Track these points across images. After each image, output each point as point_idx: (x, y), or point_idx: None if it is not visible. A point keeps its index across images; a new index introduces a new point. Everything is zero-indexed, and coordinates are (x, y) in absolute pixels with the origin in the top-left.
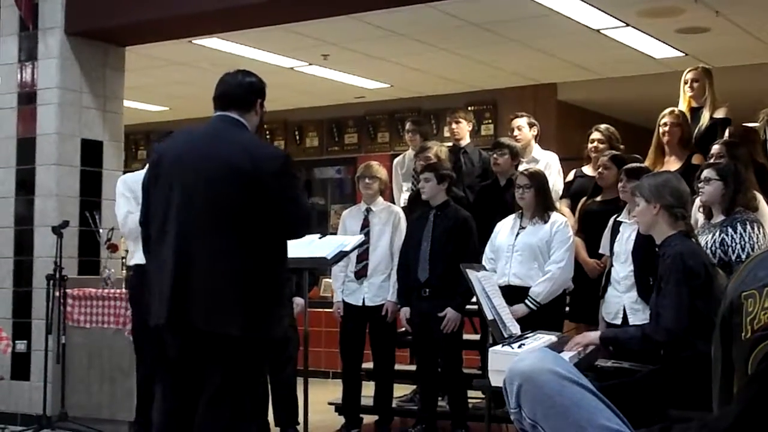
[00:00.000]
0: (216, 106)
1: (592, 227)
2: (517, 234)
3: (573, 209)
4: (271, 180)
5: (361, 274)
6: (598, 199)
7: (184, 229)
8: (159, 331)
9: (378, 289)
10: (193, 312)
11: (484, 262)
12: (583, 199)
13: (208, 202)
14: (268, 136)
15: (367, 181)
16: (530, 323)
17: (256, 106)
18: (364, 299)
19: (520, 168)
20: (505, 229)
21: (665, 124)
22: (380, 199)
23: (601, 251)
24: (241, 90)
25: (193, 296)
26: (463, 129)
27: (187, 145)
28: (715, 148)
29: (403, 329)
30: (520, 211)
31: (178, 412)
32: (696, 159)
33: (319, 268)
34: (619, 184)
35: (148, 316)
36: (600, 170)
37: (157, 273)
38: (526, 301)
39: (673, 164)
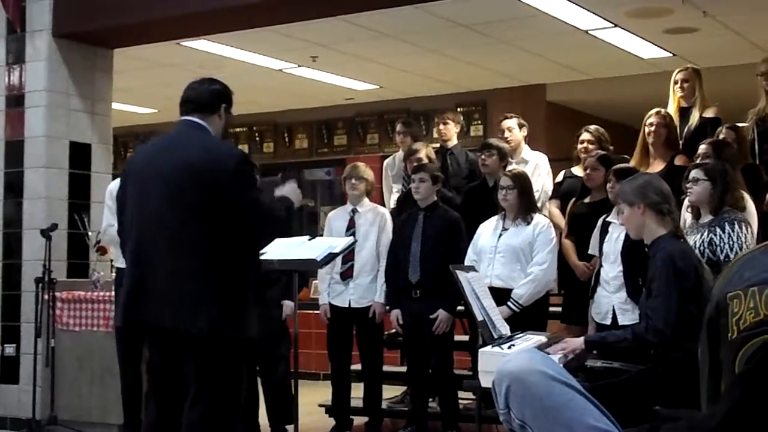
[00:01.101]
0: (181, 111)
1: (581, 229)
2: (500, 235)
3: (563, 210)
4: (228, 178)
5: (347, 276)
6: (587, 200)
7: (143, 232)
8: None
9: (364, 290)
10: (157, 313)
11: (466, 264)
12: (572, 201)
13: (165, 205)
14: (257, 138)
15: (353, 181)
16: (513, 325)
17: (220, 111)
18: (350, 301)
19: (507, 169)
20: (487, 230)
21: (651, 125)
22: (366, 200)
23: (590, 252)
24: (204, 95)
25: (155, 298)
26: (451, 130)
27: (151, 151)
28: (702, 147)
29: (393, 330)
30: (503, 212)
31: (161, 417)
32: (679, 160)
33: (308, 269)
34: (608, 185)
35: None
36: (588, 171)
37: (125, 277)
38: (509, 303)
39: (657, 165)
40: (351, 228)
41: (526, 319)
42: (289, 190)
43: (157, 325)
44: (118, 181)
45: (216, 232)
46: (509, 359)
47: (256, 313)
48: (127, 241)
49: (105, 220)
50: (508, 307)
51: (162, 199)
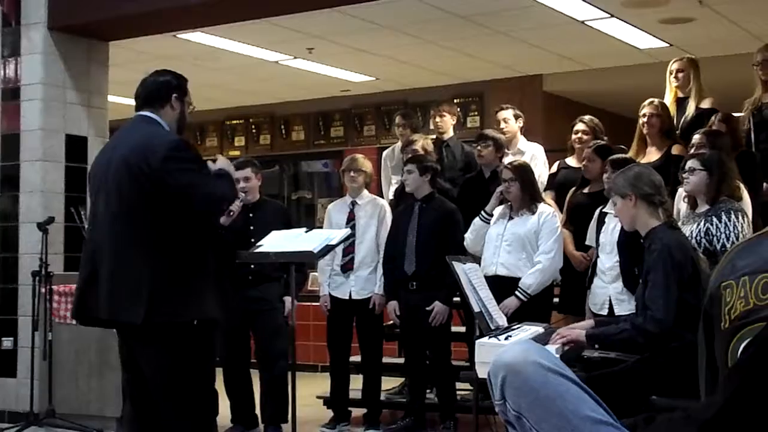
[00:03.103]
0: (135, 107)
1: (579, 219)
2: (506, 224)
3: (558, 201)
4: (159, 165)
5: (347, 268)
6: (585, 190)
7: (94, 230)
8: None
9: (364, 282)
10: (99, 306)
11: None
12: (571, 190)
13: (108, 200)
14: (254, 130)
15: (352, 174)
16: (518, 314)
17: (171, 101)
18: (350, 293)
19: (505, 160)
20: (493, 218)
21: (644, 115)
22: (365, 192)
23: (587, 243)
24: (152, 87)
25: (99, 292)
26: (447, 122)
27: (104, 148)
28: (696, 137)
29: (391, 322)
30: (509, 203)
31: (133, 411)
32: (676, 149)
33: (305, 261)
34: (605, 176)
35: None
36: (585, 162)
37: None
38: (517, 292)
39: (653, 155)
40: (351, 220)
41: (531, 308)
42: (220, 162)
43: (100, 319)
44: None
45: (158, 222)
46: (505, 350)
47: (215, 296)
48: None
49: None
50: (517, 297)
51: (105, 196)
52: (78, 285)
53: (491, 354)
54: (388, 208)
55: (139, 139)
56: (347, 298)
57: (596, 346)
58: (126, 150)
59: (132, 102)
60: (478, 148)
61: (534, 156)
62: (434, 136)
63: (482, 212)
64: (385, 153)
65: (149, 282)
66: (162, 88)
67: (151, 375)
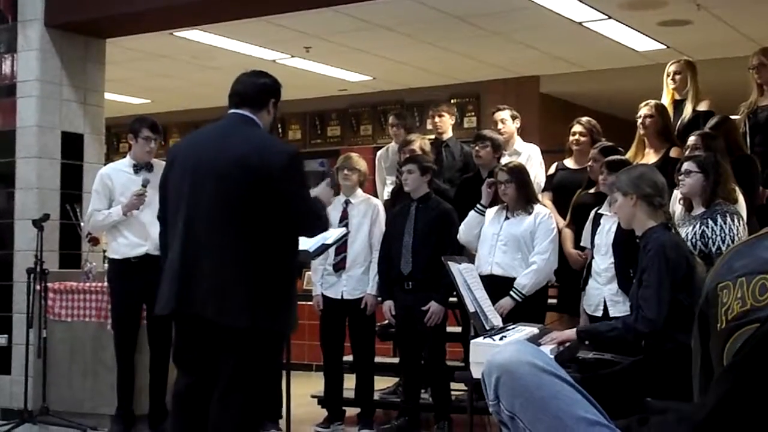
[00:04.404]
0: (230, 103)
1: (583, 219)
2: (502, 224)
3: (555, 202)
4: (278, 174)
5: (339, 267)
6: (591, 191)
7: (192, 224)
8: (166, 320)
9: (357, 281)
10: (200, 304)
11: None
12: (578, 191)
13: (216, 197)
14: None
15: (346, 172)
16: (513, 315)
17: (269, 106)
18: (342, 292)
19: (502, 161)
20: (489, 217)
21: (640, 117)
22: (359, 191)
23: (582, 244)
24: (254, 89)
25: (199, 289)
26: (446, 123)
27: (200, 142)
28: (692, 139)
29: (386, 322)
30: (505, 204)
31: (192, 388)
32: (674, 152)
33: (301, 261)
34: (600, 177)
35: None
36: (590, 163)
37: (168, 266)
38: (512, 293)
39: (651, 157)
40: (344, 219)
41: (526, 308)
42: (320, 191)
43: (201, 317)
44: (109, 166)
45: (263, 227)
46: (499, 351)
47: (294, 305)
48: (170, 229)
49: (91, 204)
50: (511, 297)
51: (215, 193)
52: (174, 276)
53: (486, 354)
54: (381, 208)
55: (258, 142)
56: (339, 297)
57: (586, 342)
58: (243, 151)
59: (129, 99)
60: (476, 148)
61: (530, 157)
62: (432, 137)
63: (478, 205)
64: (378, 153)
65: (255, 286)
66: (262, 92)
67: (233, 375)
